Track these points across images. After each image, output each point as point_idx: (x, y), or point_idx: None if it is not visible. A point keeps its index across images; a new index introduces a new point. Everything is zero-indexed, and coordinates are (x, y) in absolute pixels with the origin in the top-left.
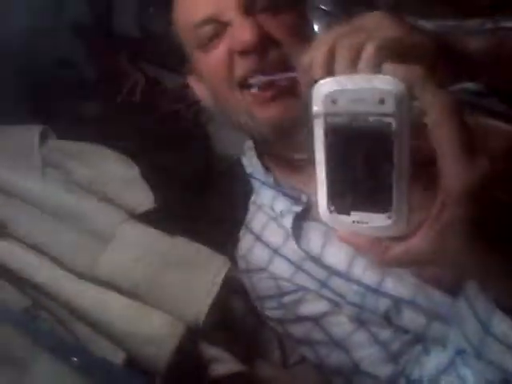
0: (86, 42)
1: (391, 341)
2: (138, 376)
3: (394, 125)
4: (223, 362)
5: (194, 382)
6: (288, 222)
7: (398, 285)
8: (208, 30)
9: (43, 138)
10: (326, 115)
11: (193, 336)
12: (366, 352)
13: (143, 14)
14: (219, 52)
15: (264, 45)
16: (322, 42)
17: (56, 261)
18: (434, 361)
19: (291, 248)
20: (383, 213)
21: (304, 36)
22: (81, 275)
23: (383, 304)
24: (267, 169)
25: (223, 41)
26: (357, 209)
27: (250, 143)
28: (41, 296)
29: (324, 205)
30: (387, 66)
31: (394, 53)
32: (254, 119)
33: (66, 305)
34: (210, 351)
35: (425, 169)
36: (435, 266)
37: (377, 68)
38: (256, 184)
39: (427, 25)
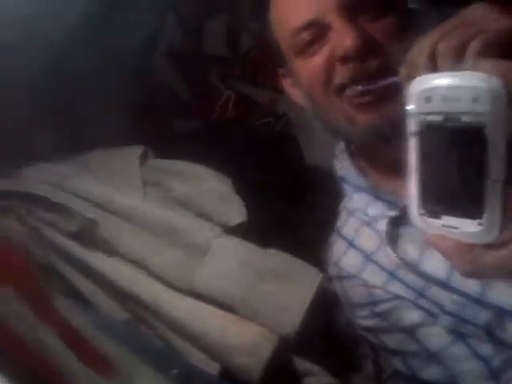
0: (179, 64)
1: (492, 356)
2: None
3: (488, 125)
4: (316, 376)
5: None
6: (382, 226)
7: (503, 294)
8: (308, 35)
9: (143, 157)
10: (420, 114)
11: (286, 348)
12: (464, 367)
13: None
14: (319, 58)
15: (366, 50)
16: (423, 42)
17: (155, 275)
18: None
19: (385, 254)
20: (474, 219)
21: (405, 40)
22: (179, 289)
23: (485, 315)
24: (361, 172)
25: (323, 47)
26: (447, 213)
27: (341, 146)
28: (141, 309)
29: (415, 207)
30: (484, 63)
31: (501, 48)
32: (354, 124)
33: (165, 318)
34: (304, 364)
35: None
36: None
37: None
38: (348, 188)
39: None
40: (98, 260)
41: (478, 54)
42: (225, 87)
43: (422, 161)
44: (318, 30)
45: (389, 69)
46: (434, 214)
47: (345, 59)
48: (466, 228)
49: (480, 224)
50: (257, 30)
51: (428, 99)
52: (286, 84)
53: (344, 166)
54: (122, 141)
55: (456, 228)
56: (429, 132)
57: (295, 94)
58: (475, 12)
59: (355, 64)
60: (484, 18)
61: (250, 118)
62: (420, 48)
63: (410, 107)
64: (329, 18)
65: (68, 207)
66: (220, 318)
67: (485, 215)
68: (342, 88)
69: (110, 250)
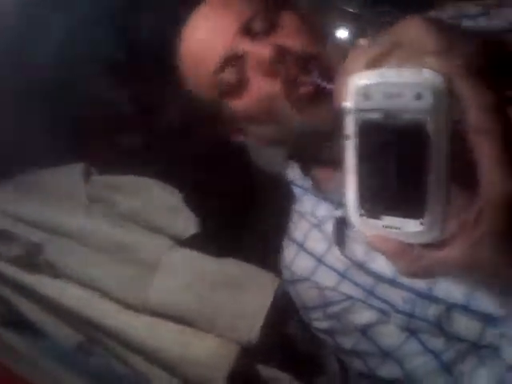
0: (120, 77)
1: (443, 350)
2: None
3: (430, 123)
4: (282, 382)
5: None
6: (329, 227)
7: (451, 288)
8: (229, 71)
9: (86, 175)
10: (357, 111)
11: (248, 356)
12: (418, 362)
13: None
14: (254, 85)
15: (285, 53)
16: (357, 60)
17: (107, 295)
18: (489, 372)
19: (335, 255)
20: (416, 218)
21: (317, 37)
22: (132, 307)
23: (434, 310)
24: (307, 174)
25: (249, 72)
26: (388, 213)
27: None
28: (94, 331)
29: (353, 208)
30: (426, 59)
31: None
32: (300, 123)
33: (120, 337)
34: (267, 372)
35: (463, 172)
36: (468, 277)
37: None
38: (298, 191)
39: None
40: (44, 283)
41: None
42: (171, 97)
43: (360, 160)
44: (235, 62)
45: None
46: (374, 215)
47: (272, 67)
48: (407, 228)
49: (422, 223)
50: None
51: (367, 96)
52: (235, 137)
53: (292, 171)
54: (59, 160)
55: (397, 228)
56: (367, 130)
57: (248, 138)
58: (409, 30)
59: (284, 68)
60: (418, 39)
61: (196, 127)
62: (353, 66)
63: (348, 104)
64: (239, 46)
65: (8, 231)
66: (178, 332)
67: (426, 214)
68: (288, 91)
69: (56, 272)
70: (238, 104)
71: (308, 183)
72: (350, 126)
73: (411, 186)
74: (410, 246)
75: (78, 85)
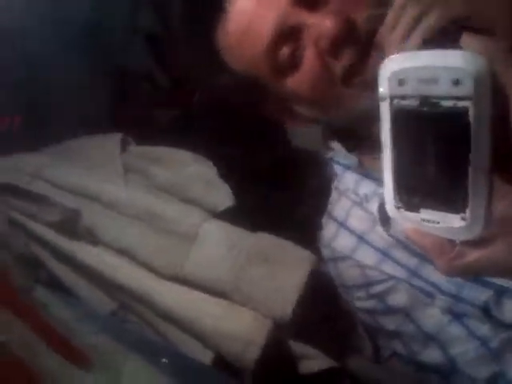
0: (158, 52)
1: (491, 337)
2: (228, 376)
3: (471, 110)
4: (314, 359)
5: (283, 379)
6: (374, 206)
7: None
8: (285, 47)
9: (123, 145)
10: (393, 98)
11: (281, 332)
12: (463, 348)
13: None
14: (309, 64)
15: (350, 29)
16: (404, 13)
17: (143, 264)
18: None
19: (378, 234)
20: (457, 213)
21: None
22: (168, 277)
23: (483, 294)
24: (350, 151)
25: (306, 50)
26: (427, 206)
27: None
28: (129, 299)
29: (391, 199)
30: (465, 39)
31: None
32: (353, 109)
33: (154, 306)
34: (300, 348)
35: (506, 164)
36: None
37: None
38: (338, 169)
39: None
40: (81, 250)
41: (431, 29)
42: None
43: (397, 149)
44: (290, 36)
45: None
46: (412, 207)
47: (334, 49)
48: (447, 223)
49: (463, 218)
50: None
51: (402, 81)
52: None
53: (333, 147)
54: (98, 131)
55: (437, 222)
56: (403, 118)
57: (293, 122)
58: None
59: (348, 49)
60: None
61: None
62: (397, 19)
63: (381, 90)
64: (294, 18)
65: (48, 197)
66: (212, 304)
67: (469, 209)
68: (347, 77)
69: (93, 239)
70: (288, 83)
71: (352, 160)
72: (385, 114)
73: (451, 178)
74: (450, 242)
75: (117, 57)
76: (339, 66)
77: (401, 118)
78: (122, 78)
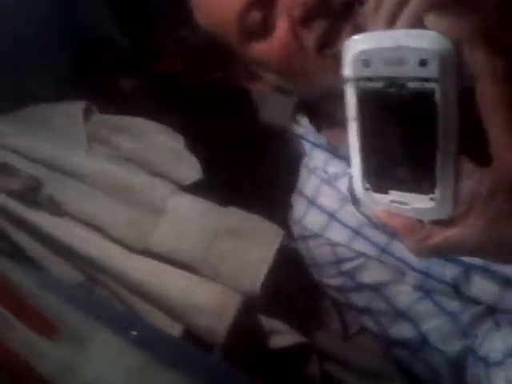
0: (122, 15)
1: (460, 312)
2: (197, 348)
3: (437, 92)
4: (283, 334)
5: (252, 354)
6: (343, 185)
7: None
8: (257, 13)
9: (87, 113)
10: (358, 80)
11: (250, 307)
12: (434, 324)
13: None
14: (280, 31)
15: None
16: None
17: (109, 236)
18: (503, 339)
19: (348, 212)
20: (426, 194)
21: None
22: (135, 249)
23: (451, 271)
24: (319, 129)
25: (278, 18)
26: (395, 188)
27: (299, 103)
28: (96, 271)
29: (359, 181)
30: (430, 19)
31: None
32: (323, 80)
33: (122, 279)
34: (269, 323)
35: (476, 144)
36: (480, 257)
37: (420, 22)
38: (307, 146)
39: None
40: (45, 221)
41: (416, 11)
42: (173, 41)
43: (363, 131)
44: (264, 2)
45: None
46: (381, 189)
47: (307, 18)
48: (416, 204)
49: (432, 199)
50: None
51: (366, 63)
52: (248, 84)
53: (302, 124)
54: (60, 99)
55: (406, 204)
56: (369, 100)
57: (259, 85)
58: None
59: (322, 20)
60: None
61: (200, 74)
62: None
63: (346, 71)
64: None
65: (8, 165)
66: (181, 278)
67: (437, 190)
68: (319, 48)
69: (57, 210)
70: (256, 49)
71: (320, 138)
72: (350, 96)
73: (419, 159)
74: (420, 222)
75: (79, 21)
76: (311, 37)
77: (367, 99)
78: (85, 45)
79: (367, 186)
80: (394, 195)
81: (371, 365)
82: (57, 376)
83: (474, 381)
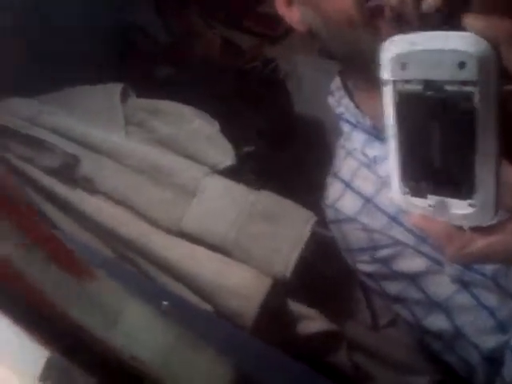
0: (158, 4)
1: (498, 307)
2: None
3: (476, 95)
4: (313, 320)
5: (282, 338)
6: (383, 169)
7: None
8: None
9: (124, 96)
10: (395, 82)
11: (281, 291)
12: (470, 317)
13: None
14: None
15: None
16: None
17: (142, 215)
18: None
19: (386, 197)
20: (465, 199)
21: None
22: (167, 229)
23: (493, 264)
24: (360, 109)
25: None
26: (434, 192)
27: (338, 82)
28: (127, 249)
29: (396, 185)
30: (468, 19)
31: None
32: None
33: (152, 258)
34: (299, 308)
35: None
36: None
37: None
38: (346, 127)
39: None
40: (80, 198)
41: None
42: (209, 30)
43: (402, 134)
44: None
45: None
46: (419, 193)
47: None
48: (455, 209)
49: (471, 205)
50: None
51: (404, 65)
52: (279, 3)
53: (342, 103)
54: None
55: (445, 209)
56: (407, 103)
57: (291, 13)
58: None
59: None
60: None
61: (237, 62)
62: None
63: (383, 74)
64: None
65: (47, 142)
66: (212, 259)
67: (476, 195)
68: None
69: (91, 188)
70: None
71: (361, 118)
72: (388, 98)
73: (457, 163)
74: (458, 229)
75: (117, 8)
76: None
77: (405, 102)
78: (124, 32)
79: (405, 190)
80: (433, 200)
81: (400, 357)
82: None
83: (510, 377)
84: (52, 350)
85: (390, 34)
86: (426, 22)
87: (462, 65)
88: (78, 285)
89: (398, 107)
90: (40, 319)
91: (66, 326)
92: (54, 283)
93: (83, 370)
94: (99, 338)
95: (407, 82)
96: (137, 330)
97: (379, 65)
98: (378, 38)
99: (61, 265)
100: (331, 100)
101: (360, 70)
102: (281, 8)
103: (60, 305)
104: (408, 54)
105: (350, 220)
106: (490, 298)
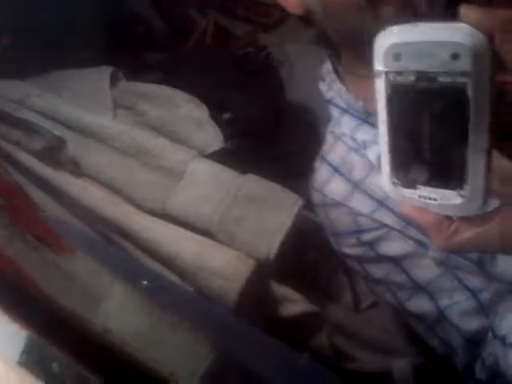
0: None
1: (481, 289)
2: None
3: (470, 86)
4: (295, 302)
5: (263, 320)
6: (371, 153)
7: None
8: None
9: (113, 79)
10: (388, 73)
11: (264, 272)
12: (453, 299)
13: None
14: None
15: None
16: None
17: (127, 197)
18: None
19: (374, 182)
20: (455, 189)
21: None
22: (152, 211)
23: (480, 253)
24: (351, 93)
25: None
26: (424, 183)
27: (329, 67)
28: (111, 232)
29: (387, 176)
30: (462, 10)
31: None
32: (377, 18)
33: (136, 240)
34: (282, 290)
35: (508, 139)
36: (509, 254)
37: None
38: (335, 112)
39: None
40: (65, 180)
41: None
42: (203, 18)
43: (393, 125)
44: None
45: None
46: (409, 184)
47: None
48: (445, 200)
49: (461, 195)
50: None
51: (397, 56)
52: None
53: (332, 87)
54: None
55: (434, 199)
56: (399, 94)
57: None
58: None
59: None
60: None
61: (230, 49)
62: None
63: (376, 65)
64: None
65: (34, 124)
66: (195, 241)
67: (467, 186)
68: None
69: (77, 170)
70: None
71: (352, 101)
72: (380, 89)
73: (449, 154)
74: (447, 218)
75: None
76: None
77: (397, 93)
78: (120, 18)
79: (395, 180)
80: (423, 190)
81: (381, 339)
82: None
83: (491, 359)
84: (30, 329)
85: (392, 16)
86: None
87: (455, 56)
88: (54, 259)
89: (390, 98)
90: (18, 297)
91: (45, 304)
92: (31, 258)
93: (61, 351)
94: (79, 316)
95: (400, 73)
96: (117, 309)
97: None
98: (380, 20)
99: (38, 238)
100: (322, 85)
101: (357, 53)
102: None
103: (37, 280)
104: (401, 44)
105: (338, 204)
106: (474, 281)
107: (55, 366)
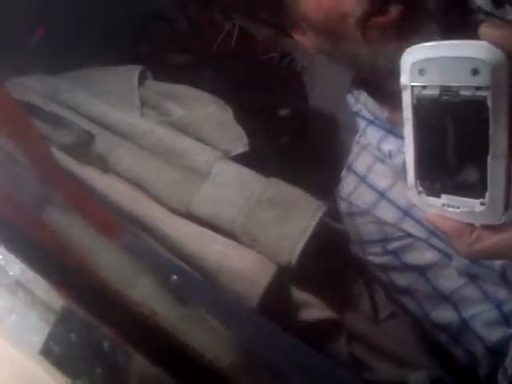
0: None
1: (505, 301)
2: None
3: (489, 100)
4: (314, 308)
5: (283, 323)
6: (397, 162)
7: None
8: None
9: (141, 78)
10: (413, 87)
11: (285, 277)
12: (476, 310)
13: None
14: None
15: None
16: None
17: (152, 195)
18: None
19: (400, 191)
20: (476, 198)
21: None
22: (176, 211)
23: (501, 260)
24: (379, 105)
25: None
26: (447, 192)
27: (356, 79)
28: (135, 228)
29: (412, 184)
30: (482, 29)
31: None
32: (379, 56)
33: (161, 238)
34: (302, 296)
35: None
36: None
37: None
38: (362, 123)
39: None
40: (92, 175)
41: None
42: (227, 21)
43: (419, 136)
44: None
45: None
46: (434, 193)
47: None
48: (467, 208)
49: (482, 204)
50: None
51: (422, 71)
52: (296, 33)
53: (360, 100)
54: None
55: (457, 207)
56: (424, 106)
57: (306, 40)
58: None
59: None
60: None
61: (254, 53)
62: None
63: (403, 79)
64: None
65: (64, 119)
66: (219, 242)
67: (488, 194)
68: (365, 19)
69: (105, 166)
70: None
71: (379, 113)
72: (406, 102)
73: (470, 164)
74: (470, 226)
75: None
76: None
77: (422, 106)
78: (147, 18)
79: (420, 189)
80: (446, 199)
81: (399, 351)
82: None
83: None
84: (70, 300)
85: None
86: None
87: (475, 71)
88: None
89: (415, 111)
90: (62, 269)
91: (88, 278)
92: (81, 235)
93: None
94: (121, 291)
95: (425, 87)
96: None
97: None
98: (382, 54)
99: (89, 219)
100: (349, 98)
101: (372, 82)
102: (297, 36)
103: (85, 256)
104: (426, 60)
105: (364, 213)
106: (497, 292)
107: (106, 345)
